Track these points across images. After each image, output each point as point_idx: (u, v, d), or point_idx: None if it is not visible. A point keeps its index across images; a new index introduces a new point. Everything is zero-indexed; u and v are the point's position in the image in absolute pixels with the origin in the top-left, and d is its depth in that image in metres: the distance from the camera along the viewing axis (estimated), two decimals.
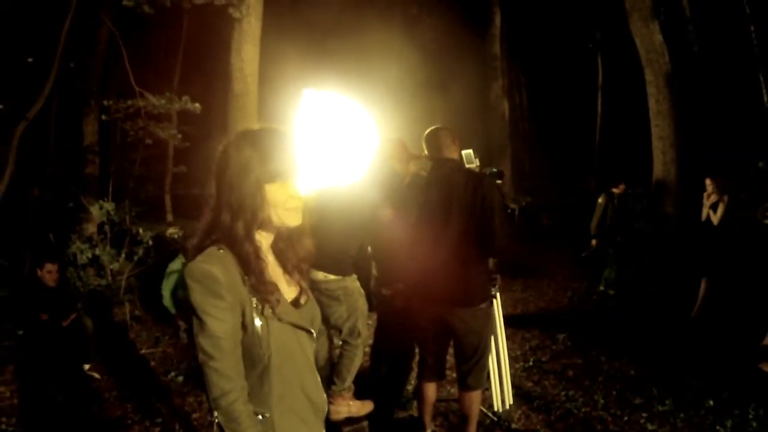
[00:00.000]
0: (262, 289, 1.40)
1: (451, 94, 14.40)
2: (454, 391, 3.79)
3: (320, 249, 3.10)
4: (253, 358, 1.41)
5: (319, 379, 1.59)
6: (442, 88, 14.27)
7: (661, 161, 7.38)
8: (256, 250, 1.41)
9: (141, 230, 6.45)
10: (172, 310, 5.74)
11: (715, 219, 5.81)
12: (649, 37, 7.08)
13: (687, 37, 7.63)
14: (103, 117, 7.86)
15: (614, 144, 17.03)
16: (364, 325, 3.34)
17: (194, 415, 3.99)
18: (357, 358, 3.31)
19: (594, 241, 7.51)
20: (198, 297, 1.34)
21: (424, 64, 13.81)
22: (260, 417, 1.42)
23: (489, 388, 3.60)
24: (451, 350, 3.17)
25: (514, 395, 3.92)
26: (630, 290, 7.25)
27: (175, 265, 5.82)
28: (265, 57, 7.11)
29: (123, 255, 6.63)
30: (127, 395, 4.36)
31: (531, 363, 4.99)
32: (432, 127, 3.13)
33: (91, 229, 7.58)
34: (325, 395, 1.61)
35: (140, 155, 10.51)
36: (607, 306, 6.98)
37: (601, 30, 16.48)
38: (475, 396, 3.02)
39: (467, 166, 3.27)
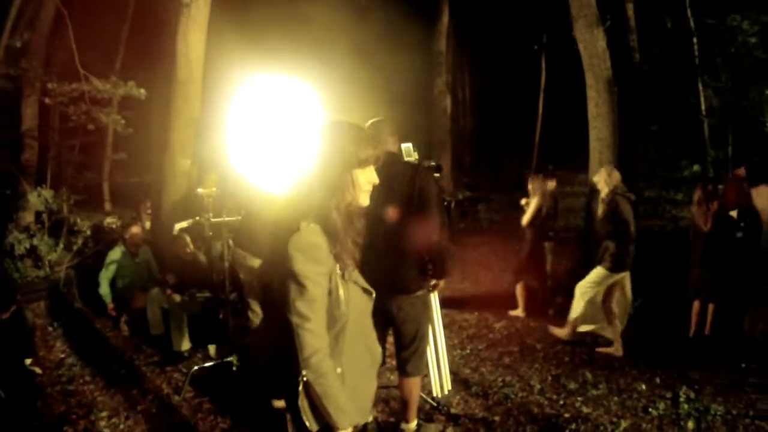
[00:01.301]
0: (344, 257, 1.68)
1: (395, 87, 14.57)
2: (394, 378, 3.92)
3: (263, 238, 3.18)
4: (334, 318, 1.65)
5: (375, 334, 1.89)
6: (387, 81, 14.42)
7: (598, 161, 7.71)
8: (342, 224, 1.67)
9: (79, 219, 6.27)
10: (108, 301, 5.63)
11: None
12: (592, 43, 7.39)
13: (629, 45, 7.98)
14: (47, 100, 7.52)
15: (553, 142, 17.75)
16: None
17: (138, 407, 3.94)
18: None
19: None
20: (301, 266, 1.56)
21: (371, 56, 13.91)
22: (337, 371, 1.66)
23: (428, 375, 3.72)
24: (390, 338, 3.25)
25: (452, 381, 4.06)
26: (564, 281, 7.57)
27: (114, 254, 5.72)
28: (210, 44, 6.98)
29: (61, 245, 6.41)
30: (71, 390, 4.26)
31: (468, 351, 5.18)
32: (372, 120, 3.18)
33: (28, 218, 7.26)
34: (380, 348, 1.92)
35: (79, 141, 10.12)
36: (541, 297, 7.21)
37: (547, 33, 17.09)
38: (415, 382, 3.12)
39: (406, 159, 3.33)
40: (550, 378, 4.53)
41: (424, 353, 3.18)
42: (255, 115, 3.44)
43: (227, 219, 4.44)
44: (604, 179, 5.40)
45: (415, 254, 2.96)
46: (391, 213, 2.91)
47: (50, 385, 4.34)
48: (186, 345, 4.89)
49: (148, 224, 7.32)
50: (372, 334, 1.86)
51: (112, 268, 5.65)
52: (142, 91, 7.17)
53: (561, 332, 5.46)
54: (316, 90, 3.33)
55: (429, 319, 3.18)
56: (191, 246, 5.38)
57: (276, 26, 12.79)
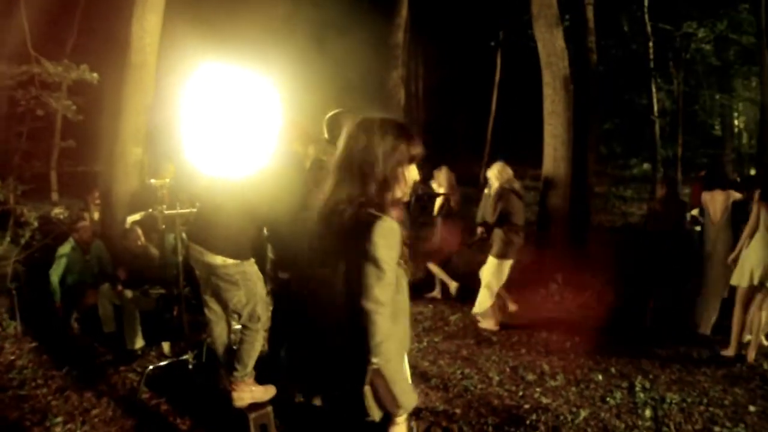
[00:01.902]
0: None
1: (349, 79, 14.51)
2: None
3: (218, 232, 3.18)
4: (396, 303, 1.72)
5: None
6: (341, 72, 14.36)
7: (552, 157, 7.89)
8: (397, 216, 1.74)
9: (26, 210, 5.95)
10: (57, 298, 5.40)
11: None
12: (551, 42, 7.54)
13: (587, 46, 8.17)
14: None
15: (505, 138, 18.08)
16: (263, 309, 3.37)
17: (94, 411, 3.77)
18: (257, 343, 3.34)
19: (480, 229, 7.96)
20: (384, 251, 1.61)
21: (324, 46, 13.82)
22: None
23: None
24: None
25: (411, 375, 4.07)
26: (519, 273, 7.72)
27: (64, 249, 5.48)
28: (163, 29, 6.76)
29: (8, 238, 6.08)
30: (23, 395, 4.04)
31: (425, 344, 5.23)
32: (333, 111, 3.21)
33: None
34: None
35: (27, 128, 9.64)
36: None
37: (504, 30, 17.33)
38: None
39: None
40: (508, 369, 4.62)
41: None
42: (207, 103, 3.36)
43: (181, 211, 4.29)
44: (495, 175, 5.79)
45: None
46: None
47: (1, 390, 4.10)
48: (139, 343, 4.73)
49: (96, 215, 7.05)
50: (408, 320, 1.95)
51: (62, 263, 5.41)
52: (95, 75, 6.85)
53: (488, 324, 5.72)
54: (267, 79, 3.30)
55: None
56: (143, 239, 5.21)
57: (229, 13, 12.51)
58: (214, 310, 3.46)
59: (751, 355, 4.76)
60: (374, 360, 1.58)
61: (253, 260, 3.28)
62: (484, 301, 5.62)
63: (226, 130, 3.20)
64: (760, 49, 12.01)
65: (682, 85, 13.62)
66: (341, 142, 1.77)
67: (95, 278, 5.43)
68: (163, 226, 4.55)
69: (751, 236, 4.79)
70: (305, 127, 3.48)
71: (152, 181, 4.50)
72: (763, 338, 4.99)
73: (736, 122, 19.43)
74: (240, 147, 3.09)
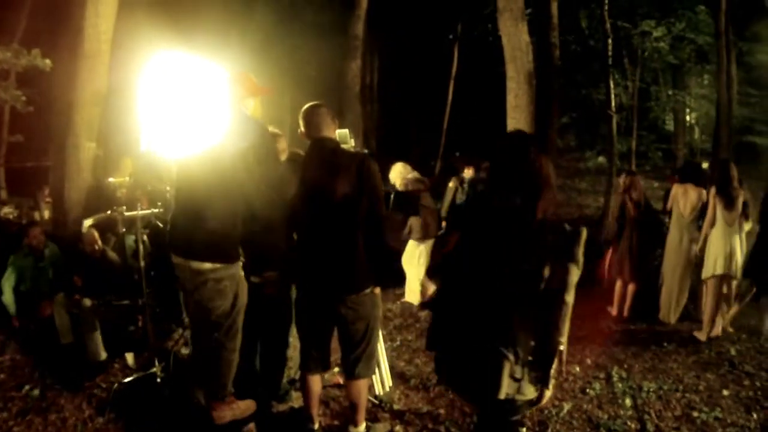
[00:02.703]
0: None
1: (306, 70, 14.25)
2: (328, 377, 3.81)
3: (203, 234, 2.85)
4: None
5: None
6: (297, 63, 14.10)
7: None
8: None
9: None
10: (12, 310, 5.02)
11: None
12: (516, 36, 7.55)
13: (550, 41, 8.23)
14: None
15: (461, 131, 18.24)
16: (241, 322, 3.03)
17: None
18: (234, 362, 3.03)
19: (444, 223, 7.97)
20: (582, 250, 1.92)
21: (282, 37, 13.52)
22: None
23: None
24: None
25: (390, 376, 3.98)
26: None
27: (17, 257, 5.08)
28: (118, 15, 6.40)
29: None
30: None
31: (399, 342, 5.13)
32: (310, 104, 2.97)
33: None
34: None
35: None
36: None
37: (463, 23, 17.39)
38: (364, 384, 3.00)
39: (341, 146, 3.11)
40: None
41: (374, 353, 3.05)
42: (165, 92, 3.22)
43: (143, 212, 4.00)
44: (398, 174, 6.33)
45: (363, 250, 2.80)
46: (336, 206, 2.75)
47: None
48: (102, 355, 4.39)
49: (47, 213, 6.67)
50: None
51: (15, 272, 5.01)
52: (48, 62, 6.42)
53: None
54: (223, 69, 3.18)
55: (378, 317, 3.05)
56: (99, 242, 4.82)
57: (185, 2, 12.03)
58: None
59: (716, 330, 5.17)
60: (562, 342, 1.93)
61: (240, 263, 2.99)
62: (410, 285, 6.30)
63: (188, 117, 3.01)
64: (717, 49, 12.51)
65: (638, 82, 14.04)
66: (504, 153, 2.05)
67: (50, 286, 5.06)
68: (123, 230, 4.24)
69: (711, 227, 5.12)
70: (251, 79, 3.09)
71: (111, 180, 4.22)
72: (728, 324, 5.29)
73: (688, 118, 20.20)
74: (203, 131, 2.89)
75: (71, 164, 6.17)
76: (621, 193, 5.90)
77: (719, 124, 13.09)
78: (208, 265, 2.82)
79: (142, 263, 3.90)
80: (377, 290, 2.94)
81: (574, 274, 1.90)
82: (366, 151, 3.41)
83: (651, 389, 4.08)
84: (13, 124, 10.45)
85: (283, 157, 3.39)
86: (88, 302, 4.45)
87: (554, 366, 1.95)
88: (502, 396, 1.93)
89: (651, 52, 13.79)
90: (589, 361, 4.63)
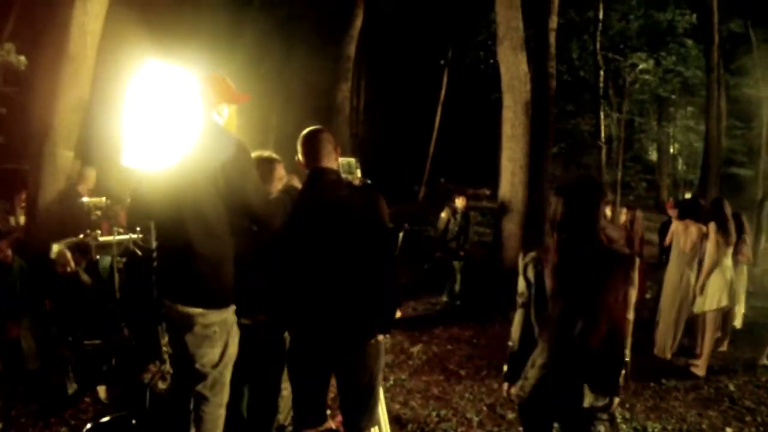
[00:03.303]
0: None
1: (294, 90, 14.01)
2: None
3: (190, 274, 2.45)
4: None
5: None
6: (286, 83, 13.86)
7: (509, 182, 7.82)
8: None
9: None
10: None
11: None
12: (515, 66, 7.47)
13: (548, 71, 8.18)
14: None
15: (446, 157, 18.19)
16: (229, 374, 2.61)
17: None
18: (221, 419, 2.60)
19: (437, 254, 7.78)
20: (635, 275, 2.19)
21: (273, 52, 13.29)
22: None
23: None
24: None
25: (387, 419, 3.73)
26: (475, 301, 7.57)
27: None
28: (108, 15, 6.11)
29: None
30: None
31: (392, 382, 4.87)
32: (309, 129, 2.60)
33: None
34: None
35: None
36: (453, 317, 7.13)
37: (454, 49, 17.42)
38: None
39: (343, 176, 2.79)
40: (485, 408, 4.37)
41: (376, 403, 2.77)
42: (149, 105, 2.87)
43: (119, 237, 3.61)
44: None
45: (369, 295, 2.49)
46: (338, 246, 2.44)
47: None
48: (71, 386, 4.03)
49: (22, 219, 6.28)
50: None
51: None
52: (22, 59, 6.05)
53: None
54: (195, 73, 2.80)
55: (382, 367, 2.76)
56: (72, 264, 4.38)
57: (173, 17, 11.76)
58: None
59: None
60: (627, 354, 2.21)
61: (233, 307, 2.57)
62: None
63: (159, 130, 2.65)
64: (708, 83, 12.72)
65: (626, 114, 14.21)
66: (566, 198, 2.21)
67: (18, 304, 4.64)
68: (97, 257, 3.81)
69: (714, 263, 5.15)
70: (226, 82, 2.68)
71: (85, 199, 3.82)
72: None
73: (671, 149, 20.56)
74: (169, 147, 2.53)
75: (46, 173, 5.82)
76: (623, 227, 5.81)
77: (709, 156, 13.28)
78: (197, 310, 2.45)
79: (117, 291, 3.56)
80: (381, 338, 2.62)
81: (633, 295, 2.18)
82: (368, 182, 3.08)
83: (656, 429, 4.00)
84: None
85: (279, 185, 2.95)
86: (55, 331, 4.04)
87: (621, 375, 2.24)
88: (586, 405, 2.21)
89: (641, 84, 14.00)
90: None
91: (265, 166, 2.96)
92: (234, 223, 2.50)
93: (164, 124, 2.69)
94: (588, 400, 2.20)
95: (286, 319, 2.65)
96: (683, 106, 18.62)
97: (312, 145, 2.55)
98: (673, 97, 16.28)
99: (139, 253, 3.81)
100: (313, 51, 13.50)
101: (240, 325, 2.69)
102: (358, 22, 12.99)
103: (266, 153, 3.05)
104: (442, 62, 17.91)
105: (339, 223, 2.43)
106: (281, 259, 2.55)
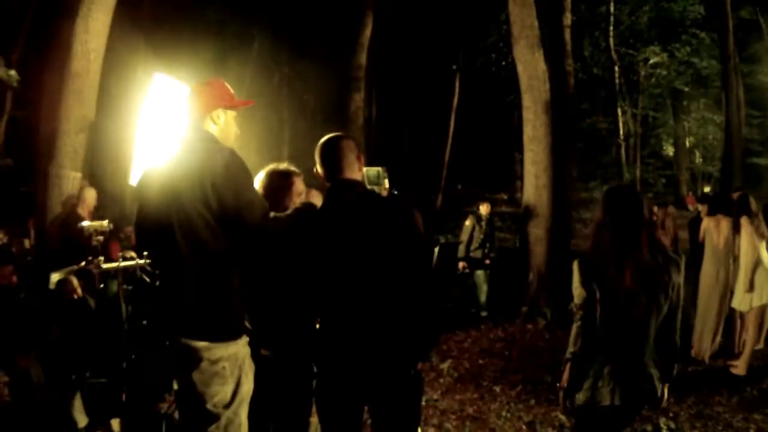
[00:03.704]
0: None
1: (306, 100, 13.83)
2: None
3: (191, 302, 2.12)
4: None
5: None
6: (297, 93, 13.69)
7: (534, 185, 7.53)
8: None
9: None
10: None
11: None
12: (533, 65, 7.22)
13: (565, 69, 7.92)
14: None
15: (462, 163, 17.92)
16: (246, 414, 2.28)
17: None
18: None
19: (462, 264, 7.45)
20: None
21: (284, 63, 13.13)
22: None
23: None
24: None
25: None
26: (503, 310, 7.26)
27: None
28: (112, 32, 5.98)
29: None
30: None
31: (424, 403, 4.47)
32: (329, 136, 2.29)
33: None
34: None
35: None
36: (481, 329, 6.86)
37: (464, 53, 17.18)
38: None
39: (369, 187, 2.53)
40: (524, 427, 4.09)
41: None
42: (157, 123, 2.74)
43: (125, 263, 3.29)
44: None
45: (408, 320, 2.15)
46: (373, 267, 2.12)
47: None
48: (82, 420, 3.75)
49: None
50: None
51: None
52: (13, 73, 5.96)
53: None
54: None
55: (421, 402, 2.44)
56: (79, 291, 4.09)
57: (177, 29, 11.67)
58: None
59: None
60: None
61: (246, 338, 2.25)
62: None
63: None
64: (725, 72, 12.33)
65: (644, 109, 13.92)
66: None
67: (25, 333, 4.39)
68: (102, 285, 3.48)
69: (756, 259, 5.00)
70: (224, 86, 2.35)
71: (85, 223, 3.52)
72: None
73: (687, 142, 20.13)
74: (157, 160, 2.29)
75: (53, 196, 5.75)
76: (658, 226, 5.51)
77: (731, 147, 12.86)
78: (201, 343, 2.12)
79: (124, 317, 3.29)
80: (420, 366, 2.27)
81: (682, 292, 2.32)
82: (395, 192, 2.80)
83: None
84: (7, 146, 9.87)
85: (298, 201, 2.65)
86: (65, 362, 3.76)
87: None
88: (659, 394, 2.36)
89: (658, 78, 13.70)
90: None
91: (282, 180, 2.66)
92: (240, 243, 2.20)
93: (164, 140, 2.48)
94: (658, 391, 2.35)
95: (312, 348, 2.32)
96: (697, 98, 18.22)
97: (332, 154, 2.23)
98: (687, 89, 15.92)
99: (147, 279, 3.53)
100: (323, 61, 13.33)
101: (259, 356, 2.39)
102: (368, 31, 12.79)
103: (282, 165, 2.73)
104: (454, 67, 17.63)
105: (369, 243, 2.11)
106: (304, 284, 2.24)
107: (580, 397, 2.33)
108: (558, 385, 2.41)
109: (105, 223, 3.44)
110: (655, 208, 5.89)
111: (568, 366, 2.38)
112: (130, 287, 3.46)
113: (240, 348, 2.21)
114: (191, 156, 2.16)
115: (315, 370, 2.37)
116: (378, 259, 2.11)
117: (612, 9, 12.14)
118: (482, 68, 15.58)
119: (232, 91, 2.36)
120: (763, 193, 11.06)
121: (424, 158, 19.02)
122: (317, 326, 2.29)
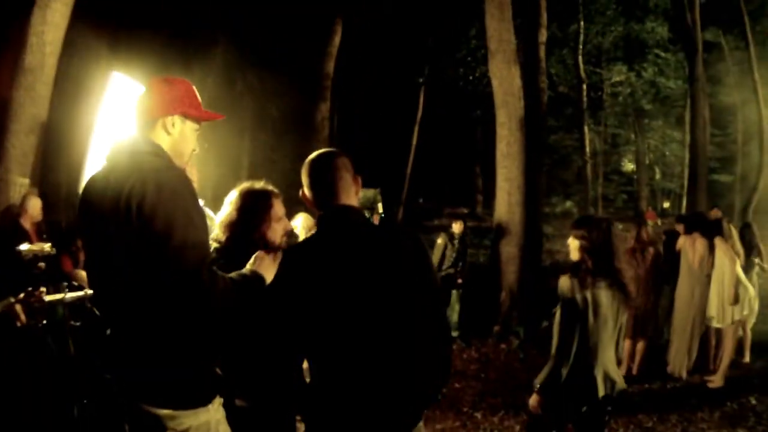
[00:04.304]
0: None
1: (269, 110, 13.41)
2: None
3: (140, 361, 1.67)
4: None
5: None
6: (260, 103, 13.29)
7: (506, 202, 7.45)
8: None
9: None
10: None
11: None
12: (509, 80, 7.14)
13: (539, 86, 7.90)
14: None
15: (424, 177, 17.91)
16: None
17: None
18: None
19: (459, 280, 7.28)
20: None
21: (247, 71, 12.74)
22: None
23: None
24: None
25: None
26: (474, 330, 7.14)
27: None
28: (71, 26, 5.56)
29: None
30: None
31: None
32: (321, 153, 1.85)
33: None
34: None
35: None
36: (454, 350, 6.59)
37: (430, 67, 17.15)
38: None
39: (366, 214, 2.10)
40: None
41: None
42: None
43: (72, 294, 2.74)
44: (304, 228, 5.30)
45: (419, 373, 1.77)
46: (390, 315, 1.70)
47: None
48: None
49: None
50: None
51: None
52: None
53: None
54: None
55: None
56: (23, 318, 3.54)
57: (142, 36, 11.15)
58: None
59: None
60: None
61: (220, 401, 1.81)
62: None
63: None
64: (693, 92, 12.72)
65: (609, 127, 14.22)
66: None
67: None
68: (44, 321, 2.90)
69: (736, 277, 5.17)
70: (191, 95, 1.85)
71: (23, 247, 2.78)
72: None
73: (646, 159, 20.74)
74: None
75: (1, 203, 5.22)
76: (634, 243, 5.44)
77: (696, 165, 13.24)
78: (164, 411, 1.68)
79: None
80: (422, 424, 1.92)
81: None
82: (382, 215, 2.49)
83: None
84: None
85: (279, 229, 2.22)
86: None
87: None
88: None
89: (624, 96, 14.05)
90: None
91: (258, 201, 2.22)
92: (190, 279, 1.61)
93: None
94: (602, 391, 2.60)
95: (300, 403, 1.91)
96: (658, 116, 18.91)
97: (325, 175, 1.78)
98: (650, 107, 16.48)
99: (98, 312, 3.00)
100: (289, 68, 12.95)
101: (234, 408, 2.00)
102: (337, 38, 12.51)
103: (259, 184, 2.28)
104: (420, 80, 17.57)
105: (381, 287, 1.71)
106: (290, 329, 1.76)
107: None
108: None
109: (47, 246, 2.79)
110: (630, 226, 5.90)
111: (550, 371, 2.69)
112: (77, 323, 2.91)
113: (212, 414, 1.77)
114: (119, 170, 1.66)
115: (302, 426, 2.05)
116: (392, 307, 1.73)
117: (582, 28, 12.35)
118: (449, 82, 15.58)
119: (199, 98, 1.87)
120: (722, 208, 11.43)
121: (386, 171, 18.88)
122: (304, 377, 1.90)
